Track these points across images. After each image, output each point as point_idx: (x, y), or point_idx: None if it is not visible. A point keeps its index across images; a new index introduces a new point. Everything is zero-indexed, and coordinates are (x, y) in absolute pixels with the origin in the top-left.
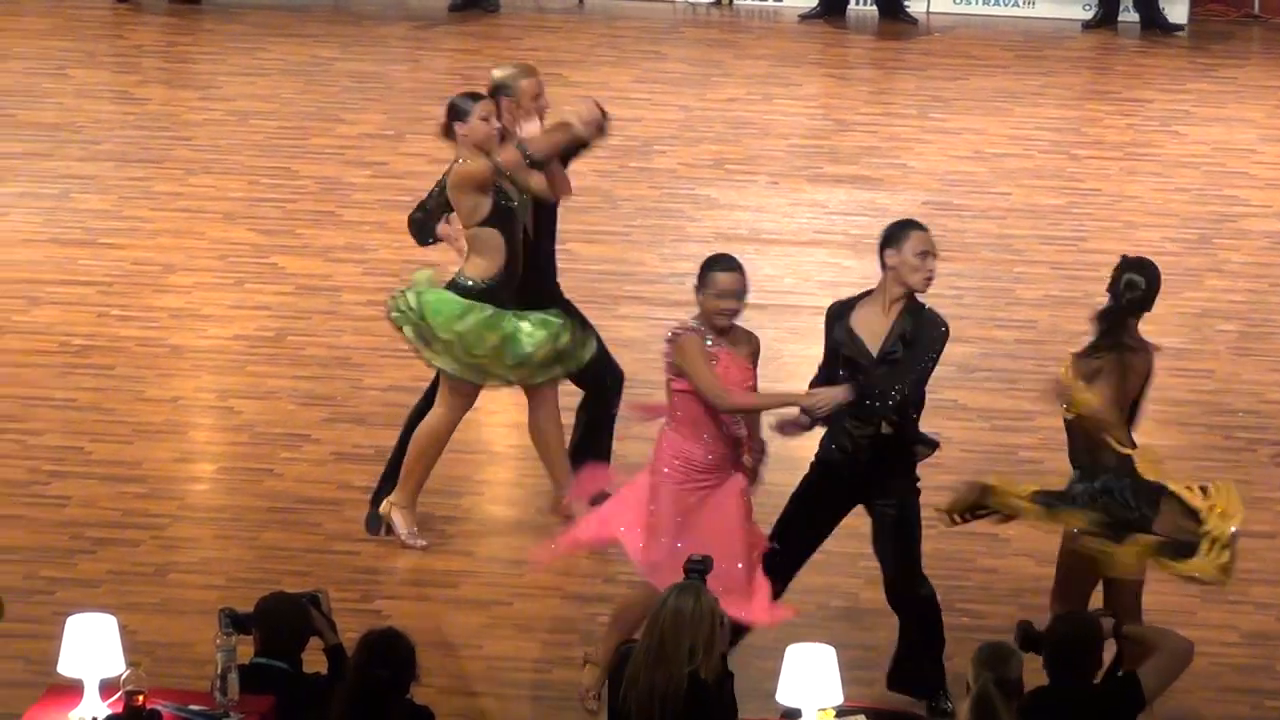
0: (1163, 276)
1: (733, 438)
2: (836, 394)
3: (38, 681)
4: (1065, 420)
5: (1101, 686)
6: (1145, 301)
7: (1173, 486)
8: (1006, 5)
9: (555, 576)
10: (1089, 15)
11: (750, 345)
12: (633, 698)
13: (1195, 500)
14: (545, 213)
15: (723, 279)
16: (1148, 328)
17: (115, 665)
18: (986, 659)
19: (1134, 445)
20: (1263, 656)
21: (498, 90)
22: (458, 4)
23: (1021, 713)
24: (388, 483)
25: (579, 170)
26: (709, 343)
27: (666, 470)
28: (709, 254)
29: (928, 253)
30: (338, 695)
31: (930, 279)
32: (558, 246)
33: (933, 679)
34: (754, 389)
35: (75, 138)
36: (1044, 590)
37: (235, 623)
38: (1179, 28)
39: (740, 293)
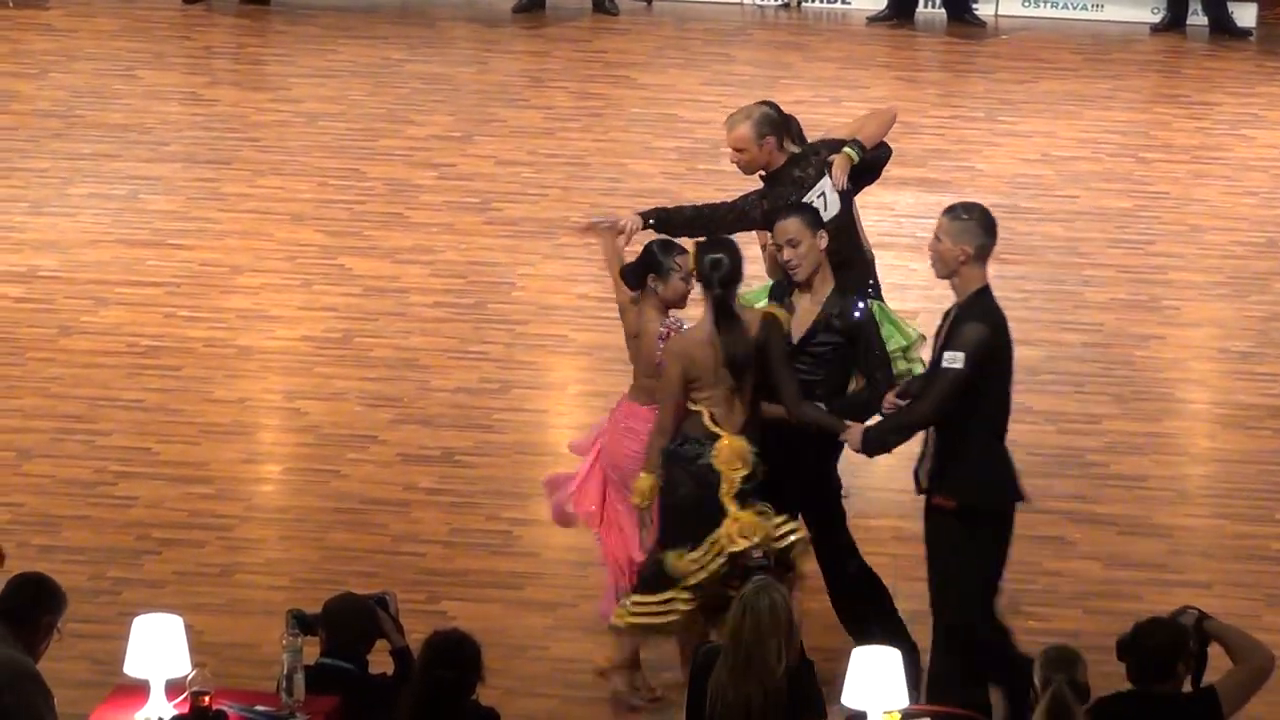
0: (1228, 280)
1: None
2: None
3: (104, 681)
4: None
5: (1180, 697)
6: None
7: (725, 485)
8: (1074, 8)
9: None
10: (1157, 18)
11: None
12: (722, 712)
13: (731, 503)
14: None
15: (686, 261)
16: (1214, 330)
17: (181, 666)
18: (1057, 661)
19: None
20: None
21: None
22: (522, 5)
23: (1093, 717)
24: None
25: (645, 172)
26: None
27: (626, 429)
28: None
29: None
30: (404, 696)
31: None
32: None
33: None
34: None
35: (144, 139)
36: (1110, 594)
37: (302, 623)
38: (1248, 32)
39: None
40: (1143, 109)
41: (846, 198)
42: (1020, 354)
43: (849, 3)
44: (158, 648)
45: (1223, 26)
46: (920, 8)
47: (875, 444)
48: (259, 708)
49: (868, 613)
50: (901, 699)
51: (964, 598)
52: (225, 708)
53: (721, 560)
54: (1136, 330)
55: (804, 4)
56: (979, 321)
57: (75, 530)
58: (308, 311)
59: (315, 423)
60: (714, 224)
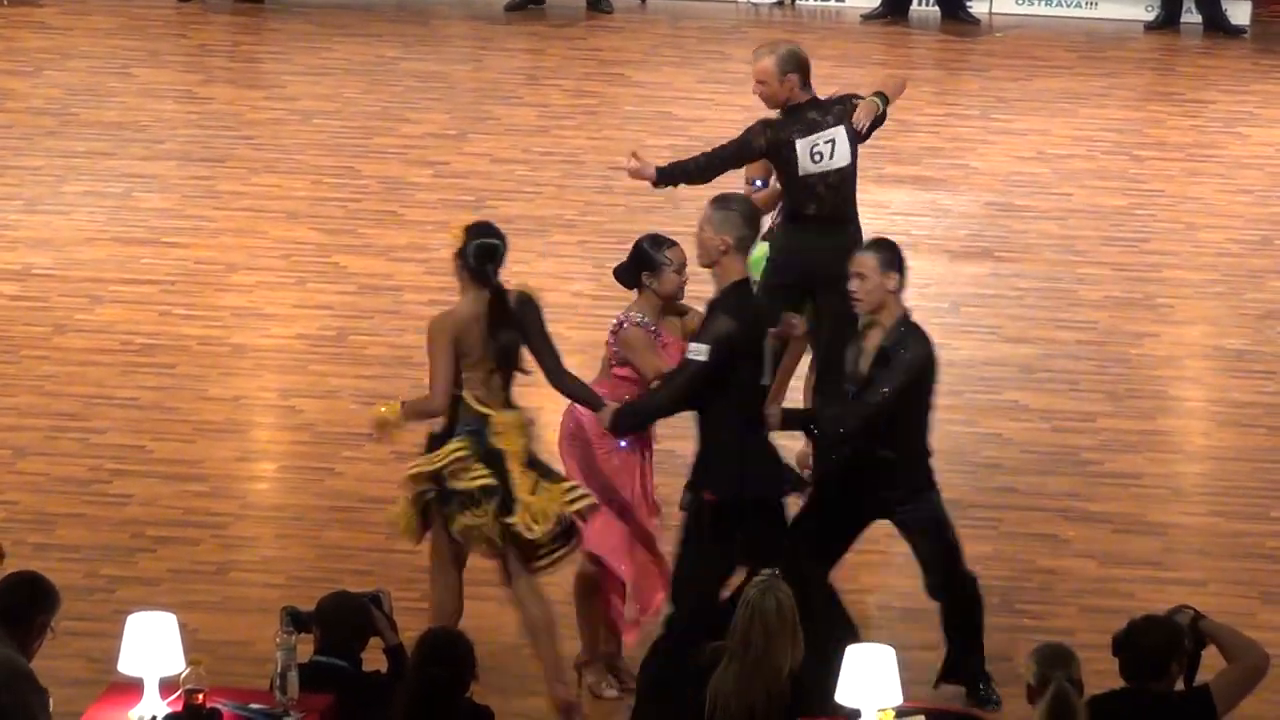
0: (1222, 278)
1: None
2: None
3: (98, 679)
4: None
5: (1174, 695)
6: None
7: (511, 464)
8: (1069, 6)
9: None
10: (1151, 16)
11: (694, 320)
12: (722, 715)
13: (521, 488)
14: None
15: (677, 254)
16: (1209, 328)
17: (175, 664)
18: (1052, 658)
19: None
20: None
21: None
22: (515, 3)
23: (1088, 714)
24: None
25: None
26: (653, 328)
27: (588, 437)
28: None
29: None
30: (398, 695)
31: None
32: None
33: (974, 668)
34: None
35: (138, 137)
36: (1104, 592)
37: (296, 621)
38: (1242, 29)
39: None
40: (1137, 107)
41: (855, 147)
42: (1015, 351)
43: (843, 0)
44: (152, 646)
45: (1217, 24)
46: (914, 5)
47: (624, 425)
48: (253, 706)
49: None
50: (896, 696)
51: (701, 583)
52: (219, 706)
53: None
54: (1131, 328)
55: (798, 2)
56: (727, 315)
57: (70, 528)
58: (302, 309)
59: (310, 420)
60: (720, 161)
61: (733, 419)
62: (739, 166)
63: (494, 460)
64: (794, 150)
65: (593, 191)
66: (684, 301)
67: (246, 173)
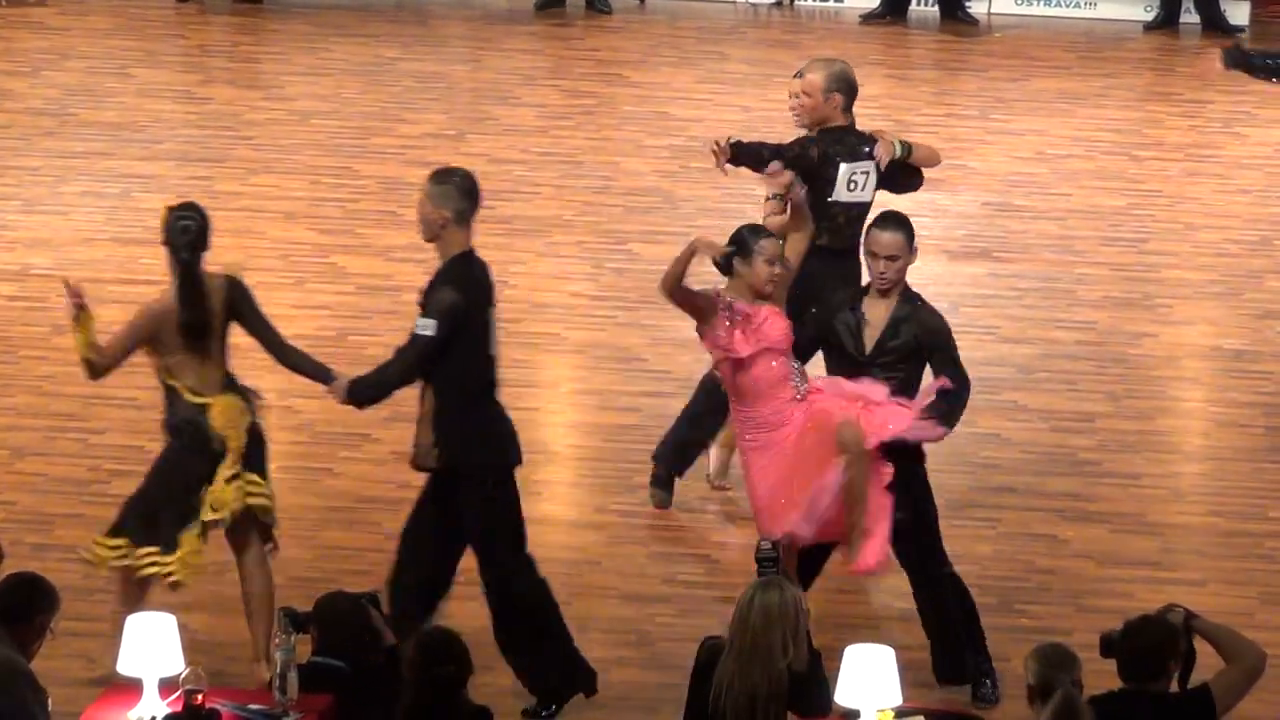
0: (1221, 278)
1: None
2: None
3: (97, 680)
4: None
5: (1173, 696)
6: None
7: (232, 446)
8: (1068, 6)
9: (613, 576)
10: (1150, 16)
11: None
12: (727, 702)
13: (221, 474)
14: None
15: (770, 246)
16: (1207, 328)
17: (174, 664)
18: (1056, 661)
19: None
20: None
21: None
22: (541, 2)
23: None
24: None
25: (638, 170)
26: (734, 303)
27: (749, 439)
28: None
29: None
30: (404, 695)
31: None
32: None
33: (974, 665)
34: (788, 351)
35: (137, 137)
36: (1103, 592)
37: (294, 622)
38: (1240, 29)
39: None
40: (1136, 107)
41: (877, 186)
42: (1013, 352)
43: (842, 1)
44: (151, 646)
45: (1215, 24)
46: (913, 6)
47: (361, 397)
48: (252, 706)
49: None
50: (895, 697)
51: (504, 552)
52: (218, 706)
53: (196, 529)
54: (1130, 328)
55: (797, 2)
56: (450, 287)
57: (68, 528)
58: (301, 310)
59: (308, 421)
60: (779, 157)
61: (460, 387)
62: (790, 169)
63: (216, 445)
64: (837, 171)
65: (591, 192)
66: None
67: (245, 173)
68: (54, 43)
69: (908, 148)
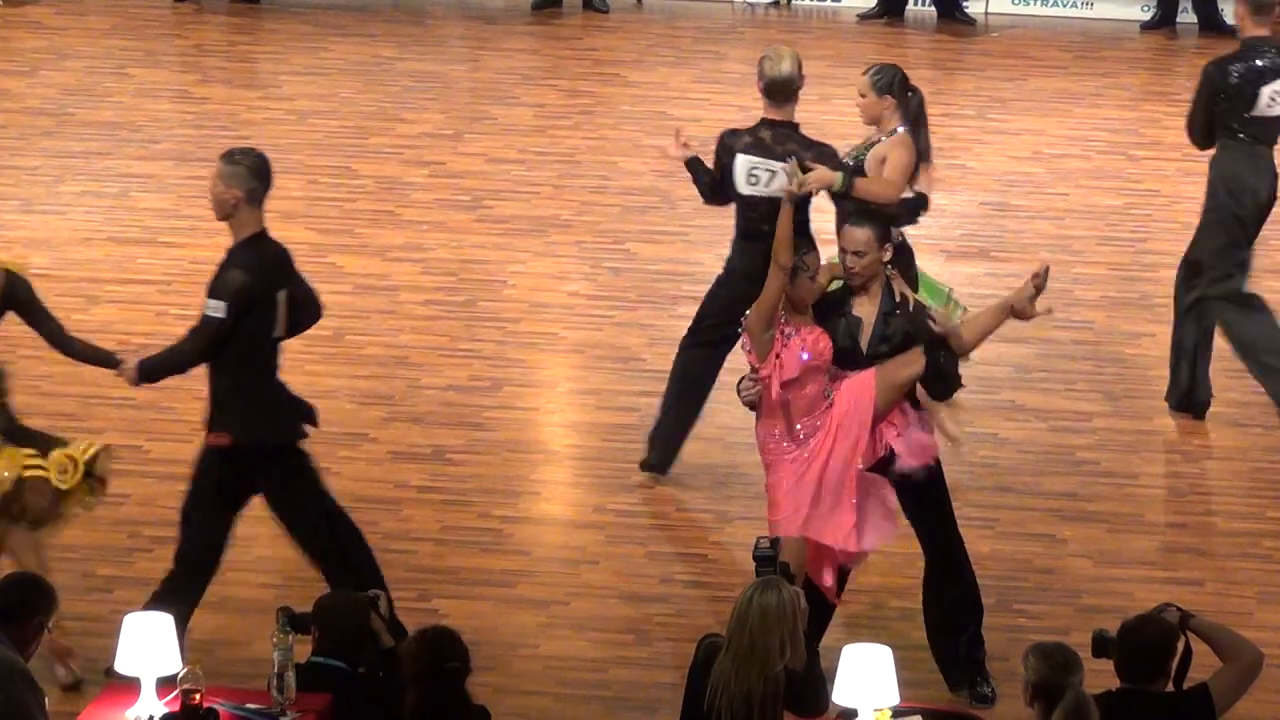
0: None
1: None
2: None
3: (95, 680)
4: None
5: (1172, 695)
6: None
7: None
8: (1065, 6)
9: (613, 576)
10: (1147, 16)
11: None
12: (723, 702)
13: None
14: None
15: (816, 261)
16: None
17: (172, 664)
18: (1060, 662)
19: None
20: None
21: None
22: (539, 2)
23: None
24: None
25: (636, 169)
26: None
27: (771, 449)
28: None
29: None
30: (407, 694)
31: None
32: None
33: (972, 663)
34: (826, 366)
35: (135, 136)
36: (1101, 592)
37: (293, 622)
38: (1238, 29)
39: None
40: (1133, 106)
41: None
42: (1011, 351)
43: (839, 0)
44: (149, 646)
45: (1213, 24)
46: (910, 5)
47: (151, 377)
48: (250, 706)
49: None
50: (893, 696)
51: (206, 524)
52: (216, 706)
53: None
54: (1127, 328)
55: (794, 2)
56: (240, 269)
57: (67, 528)
58: None
59: None
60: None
61: (245, 366)
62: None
63: None
64: (734, 161)
65: (589, 191)
66: None
67: None
68: (52, 42)
69: (848, 182)
